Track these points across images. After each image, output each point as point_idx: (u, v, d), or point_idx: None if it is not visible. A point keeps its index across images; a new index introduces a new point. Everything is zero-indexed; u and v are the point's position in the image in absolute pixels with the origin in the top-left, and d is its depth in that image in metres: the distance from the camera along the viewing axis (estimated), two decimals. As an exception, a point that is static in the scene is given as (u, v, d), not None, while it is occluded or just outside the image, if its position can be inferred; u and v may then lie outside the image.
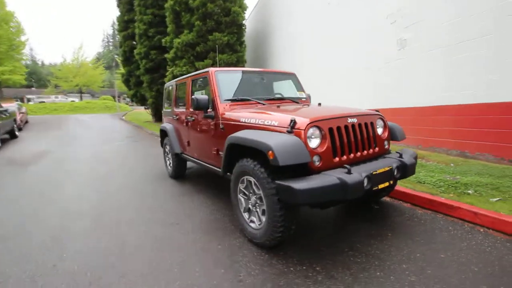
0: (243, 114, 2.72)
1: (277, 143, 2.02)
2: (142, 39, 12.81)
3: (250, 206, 2.47)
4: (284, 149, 1.99)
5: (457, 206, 2.74)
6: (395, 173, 2.39)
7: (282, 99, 3.57)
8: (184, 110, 4.05)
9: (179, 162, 4.59)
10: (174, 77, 11.02)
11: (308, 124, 2.17)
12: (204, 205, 3.42)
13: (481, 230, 2.49)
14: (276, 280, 1.91)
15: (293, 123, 2.18)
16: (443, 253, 2.16)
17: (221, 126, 2.99)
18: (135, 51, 13.51)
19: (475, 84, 4.34)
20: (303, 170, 2.16)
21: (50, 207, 3.53)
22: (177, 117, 4.36)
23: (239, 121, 2.72)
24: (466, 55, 4.41)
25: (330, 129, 2.26)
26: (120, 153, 7.67)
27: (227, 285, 1.87)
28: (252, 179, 2.33)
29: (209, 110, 3.17)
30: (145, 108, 22.38)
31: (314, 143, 2.19)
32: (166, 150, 4.96)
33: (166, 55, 11.42)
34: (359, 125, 2.47)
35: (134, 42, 15.13)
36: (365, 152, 2.49)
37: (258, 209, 2.35)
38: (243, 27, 11.39)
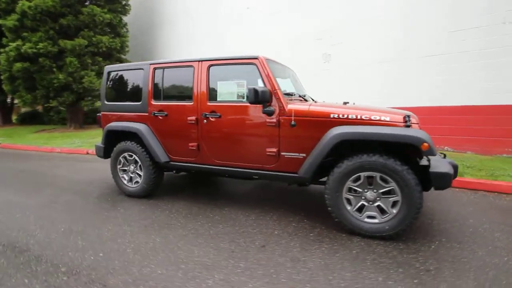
0: (333, 110, 2.58)
1: (425, 135, 2.19)
2: None
3: (364, 202, 2.43)
4: (431, 141, 2.19)
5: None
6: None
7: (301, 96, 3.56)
8: (190, 103, 3.11)
9: (159, 173, 3.46)
10: (21, 55, 7.51)
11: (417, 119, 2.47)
12: (252, 218, 2.87)
13: (478, 193, 3.58)
14: (448, 264, 2.01)
15: (409, 118, 2.40)
16: (488, 212, 2.96)
17: (292, 122, 2.66)
18: None
19: (385, 93, 6.12)
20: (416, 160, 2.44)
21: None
22: (164, 113, 3.25)
23: (327, 117, 2.56)
24: (379, 72, 6.12)
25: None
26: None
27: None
28: (376, 174, 2.32)
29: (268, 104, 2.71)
30: None
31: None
32: (124, 161, 3.55)
33: (1, 21, 7.51)
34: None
35: None
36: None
37: (381, 203, 2.38)
38: (128, 7, 9.44)
